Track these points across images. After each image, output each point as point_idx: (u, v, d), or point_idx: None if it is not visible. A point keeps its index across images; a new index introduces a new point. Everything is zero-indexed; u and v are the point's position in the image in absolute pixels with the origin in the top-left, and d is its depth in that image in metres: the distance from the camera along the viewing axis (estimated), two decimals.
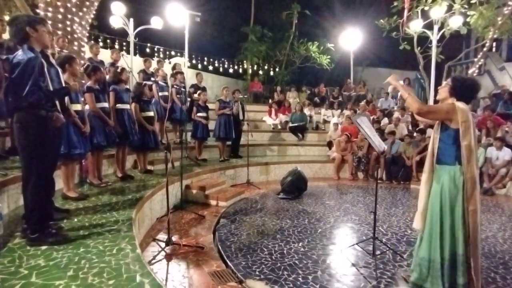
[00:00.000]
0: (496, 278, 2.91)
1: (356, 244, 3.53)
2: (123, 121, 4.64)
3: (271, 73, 15.63)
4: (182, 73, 7.51)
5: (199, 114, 6.72)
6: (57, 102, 2.61)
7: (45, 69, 2.53)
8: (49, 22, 4.72)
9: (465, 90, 2.43)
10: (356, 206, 5.26)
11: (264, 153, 8.57)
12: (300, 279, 2.82)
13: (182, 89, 7.04)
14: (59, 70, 3.08)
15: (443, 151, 2.44)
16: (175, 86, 6.90)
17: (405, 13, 10.56)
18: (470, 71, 10.51)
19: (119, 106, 4.66)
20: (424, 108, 2.47)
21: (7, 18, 6.95)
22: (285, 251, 3.40)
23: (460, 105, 2.35)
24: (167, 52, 13.13)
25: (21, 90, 2.37)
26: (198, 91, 7.21)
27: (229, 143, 7.48)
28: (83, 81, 4.24)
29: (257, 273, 2.91)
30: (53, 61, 3.05)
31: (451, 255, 2.35)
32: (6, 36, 4.53)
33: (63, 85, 3.07)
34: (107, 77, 5.13)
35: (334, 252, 3.44)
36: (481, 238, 3.75)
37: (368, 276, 2.89)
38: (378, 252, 3.29)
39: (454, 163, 2.36)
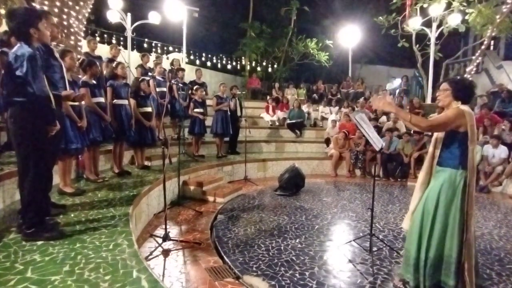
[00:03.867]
0: (491, 274, 2.93)
1: (353, 240, 3.54)
2: (120, 117, 4.63)
3: (270, 69, 15.58)
4: (183, 69, 7.48)
5: (196, 110, 6.70)
6: (51, 97, 2.56)
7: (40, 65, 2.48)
8: None
9: (468, 91, 2.40)
10: (353, 203, 5.27)
11: (262, 150, 8.56)
12: (297, 275, 2.83)
13: (181, 84, 7.01)
14: (63, 64, 3.06)
15: (447, 154, 2.39)
16: (174, 82, 6.87)
17: (407, 10, 10.55)
18: (468, 69, 10.52)
19: (117, 101, 4.64)
20: (433, 123, 2.35)
21: (2, 11, 6.86)
22: (282, 247, 3.40)
23: (466, 108, 2.30)
24: (165, 48, 13.04)
25: (28, 83, 2.32)
26: (195, 87, 7.18)
27: (227, 139, 7.47)
28: (80, 76, 4.20)
29: (254, 269, 2.92)
30: (57, 55, 3.02)
31: (437, 256, 2.35)
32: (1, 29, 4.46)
33: (66, 79, 3.06)
34: (104, 72, 5.09)
35: (331, 248, 3.45)
36: (477, 236, 3.80)
37: (364, 272, 2.90)
38: (375, 249, 3.29)
39: (458, 167, 2.32)
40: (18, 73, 2.31)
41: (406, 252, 2.55)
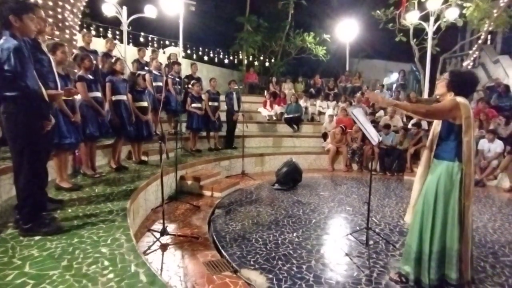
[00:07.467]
0: (485, 267, 2.97)
1: (350, 234, 3.57)
2: (120, 113, 4.60)
3: (267, 64, 15.51)
4: (179, 63, 7.42)
5: (193, 105, 6.67)
6: (44, 92, 2.52)
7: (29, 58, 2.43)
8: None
9: (463, 84, 2.38)
10: (350, 197, 5.31)
11: (259, 144, 8.56)
12: (294, 268, 2.85)
13: (177, 79, 6.97)
14: (51, 58, 3.02)
15: (443, 147, 2.40)
16: (170, 77, 6.81)
17: (403, 5, 10.54)
18: (464, 64, 10.56)
19: (116, 97, 4.60)
20: (431, 109, 2.37)
21: None
22: (279, 241, 3.43)
23: (462, 100, 2.30)
24: (161, 42, 12.94)
25: (19, 76, 2.28)
26: (192, 82, 7.14)
27: (224, 134, 7.47)
28: (75, 70, 4.17)
29: (251, 262, 2.94)
30: (45, 49, 2.98)
31: (440, 249, 2.36)
32: None
33: (55, 73, 3.02)
34: (100, 67, 5.04)
35: (328, 242, 3.48)
36: (472, 229, 3.84)
37: (361, 265, 2.93)
38: (371, 242, 3.33)
39: (454, 159, 2.33)
40: (6, 67, 2.25)
41: (407, 246, 2.55)
